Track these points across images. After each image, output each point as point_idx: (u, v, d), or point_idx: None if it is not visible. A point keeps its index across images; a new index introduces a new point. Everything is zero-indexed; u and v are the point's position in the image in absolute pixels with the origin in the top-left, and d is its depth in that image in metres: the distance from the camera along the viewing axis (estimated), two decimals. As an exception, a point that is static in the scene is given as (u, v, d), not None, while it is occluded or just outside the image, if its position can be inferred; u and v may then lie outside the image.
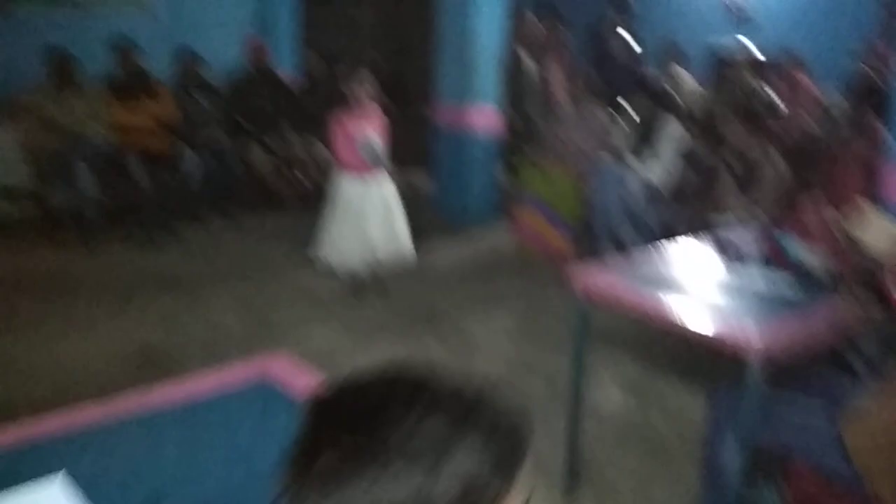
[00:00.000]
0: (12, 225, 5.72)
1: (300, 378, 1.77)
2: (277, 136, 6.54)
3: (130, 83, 5.91)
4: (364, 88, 4.47)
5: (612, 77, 6.29)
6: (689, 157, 4.96)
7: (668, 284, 2.54)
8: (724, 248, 2.91)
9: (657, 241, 4.90)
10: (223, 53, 6.86)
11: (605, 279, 2.59)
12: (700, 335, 2.20)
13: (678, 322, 2.27)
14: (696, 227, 4.51)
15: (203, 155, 6.03)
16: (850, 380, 2.33)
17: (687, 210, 4.74)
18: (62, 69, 5.63)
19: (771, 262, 2.80)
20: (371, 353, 3.94)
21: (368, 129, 4.50)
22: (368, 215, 4.54)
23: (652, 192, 5.11)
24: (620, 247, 5.23)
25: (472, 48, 6.05)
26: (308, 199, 5.97)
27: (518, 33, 6.59)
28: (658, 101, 5.39)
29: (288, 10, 8.35)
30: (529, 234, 5.65)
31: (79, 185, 5.41)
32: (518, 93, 6.48)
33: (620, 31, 7.23)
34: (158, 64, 6.15)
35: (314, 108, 6.81)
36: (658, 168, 5.19)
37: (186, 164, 5.86)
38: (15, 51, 5.94)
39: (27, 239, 5.56)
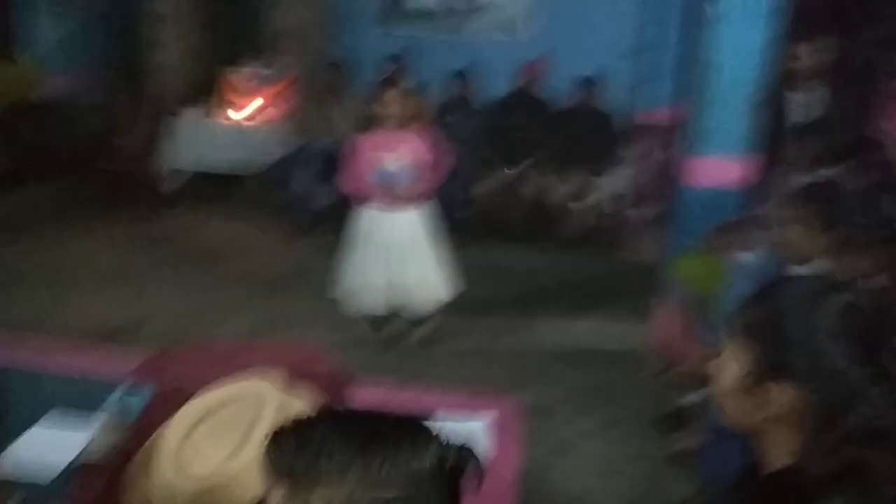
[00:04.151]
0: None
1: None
2: (528, 169, 5.87)
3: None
4: (390, 110, 3.74)
5: None
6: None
7: None
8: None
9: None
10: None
11: None
12: None
13: None
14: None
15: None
16: None
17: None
18: (336, 79, 5.95)
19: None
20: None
21: (388, 155, 3.75)
22: (385, 253, 3.81)
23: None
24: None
25: (708, 83, 4.40)
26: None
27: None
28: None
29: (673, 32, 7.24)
30: (667, 341, 3.90)
31: (294, 185, 5.78)
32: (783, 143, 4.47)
33: None
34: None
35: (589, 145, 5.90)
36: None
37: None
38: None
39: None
